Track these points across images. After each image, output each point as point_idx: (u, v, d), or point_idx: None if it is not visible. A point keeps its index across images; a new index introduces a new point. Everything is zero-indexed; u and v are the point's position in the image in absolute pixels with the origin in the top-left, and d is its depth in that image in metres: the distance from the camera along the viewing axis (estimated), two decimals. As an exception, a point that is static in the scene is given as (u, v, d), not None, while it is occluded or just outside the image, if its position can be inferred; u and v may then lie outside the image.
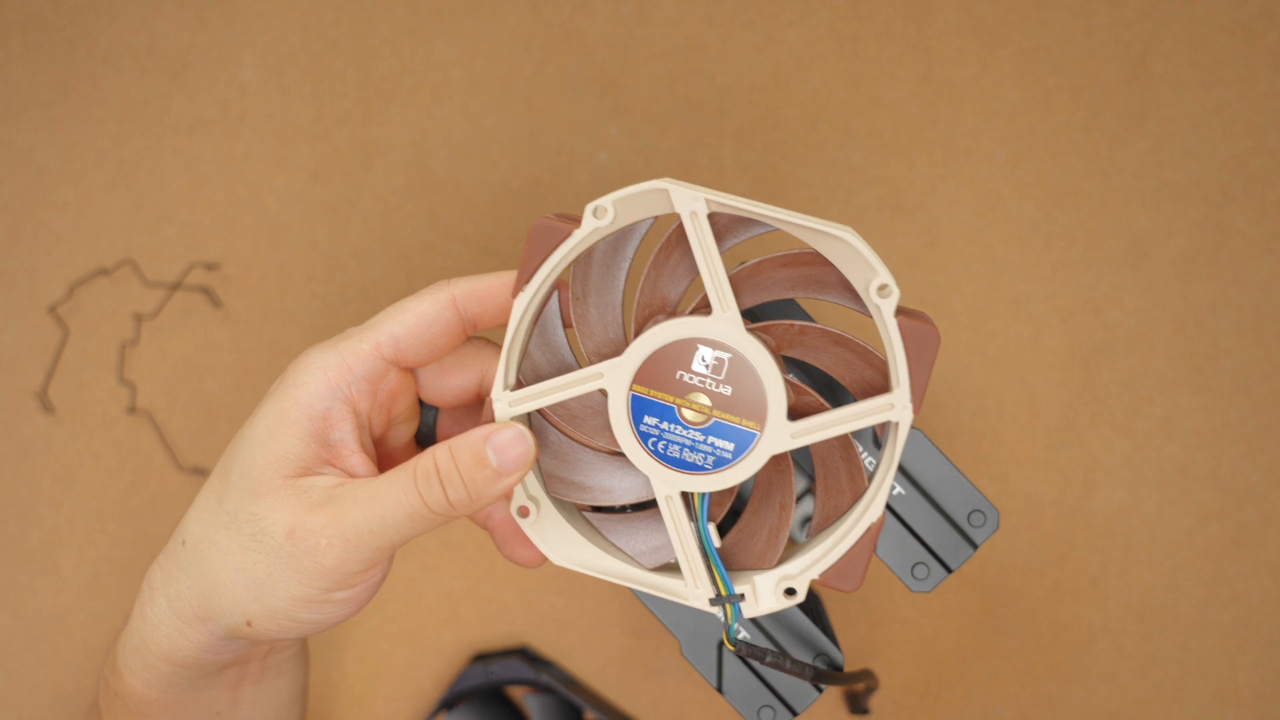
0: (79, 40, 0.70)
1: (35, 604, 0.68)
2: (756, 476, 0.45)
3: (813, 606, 0.53)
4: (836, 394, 0.50)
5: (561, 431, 0.46)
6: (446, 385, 0.48)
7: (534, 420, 0.46)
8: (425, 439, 0.49)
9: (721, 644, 0.49)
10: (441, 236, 0.69)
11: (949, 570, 0.49)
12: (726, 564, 0.45)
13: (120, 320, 0.69)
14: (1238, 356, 0.67)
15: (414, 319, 0.45)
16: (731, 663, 0.50)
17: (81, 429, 0.69)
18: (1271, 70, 0.68)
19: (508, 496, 0.45)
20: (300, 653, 0.53)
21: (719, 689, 0.49)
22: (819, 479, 0.45)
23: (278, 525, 0.43)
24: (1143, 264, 0.68)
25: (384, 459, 0.48)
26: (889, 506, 0.49)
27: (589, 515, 0.46)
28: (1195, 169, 0.68)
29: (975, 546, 0.49)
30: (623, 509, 0.47)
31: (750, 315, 0.47)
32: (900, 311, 0.42)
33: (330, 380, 0.45)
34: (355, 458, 0.45)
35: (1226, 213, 0.68)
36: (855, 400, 0.44)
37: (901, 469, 0.49)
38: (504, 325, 0.45)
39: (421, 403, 0.49)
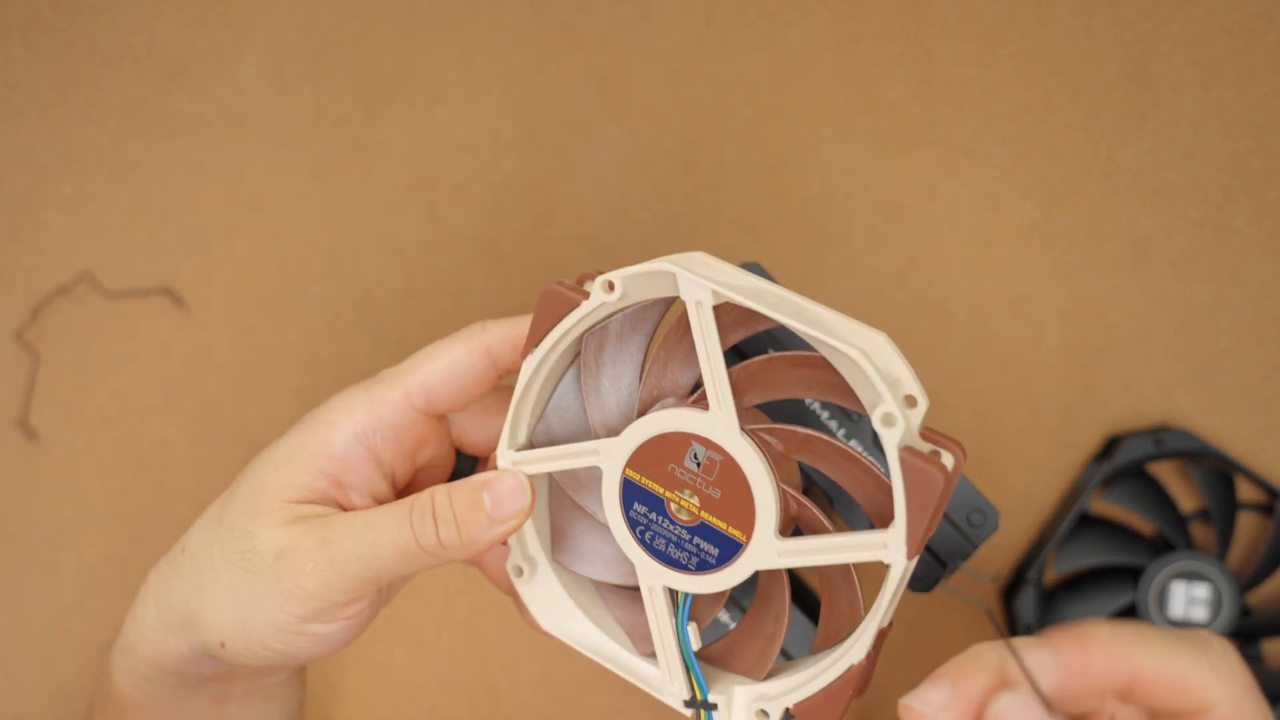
0: (79, 40, 0.70)
1: (35, 604, 0.68)
2: (759, 580, 0.43)
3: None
4: (853, 507, 0.49)
5: (567, 496, 0.45)
6: (482, 432, 0.47)
7: (551, 483, 0.45)
8: None
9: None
10: (441, 236, 0.69)
11: (949, 570, 0.49)
12: (721, 664, 0.44)
13: (120, 320, 0.69)
14: (1238, 356, 0.67)
15: (446, 367, 0.45)
16: None
17: (81, 430, 0.69)
18: (1271, 70, 0.68)
19: (504, 547, 0.45)
20: (292, 679, 0.52)
21: None
22: (823, 593, 0.42)
23: (269, 544, 0.43)
24: (1143, 264, 0.68)
25: None
26: None
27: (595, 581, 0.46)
28: (1195, 169, 0.68)
29: (975, 546, 0.49)
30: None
31: (766, 410, 0.44)
32: (923, 435, 0.38)
33: (356, 426, 0.44)
34: (362, 503, 0.45)
35: (1226, 213, 0.68)
36: (867, 515, 0.42)
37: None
38: None
39: (461, 453, 0.49)
